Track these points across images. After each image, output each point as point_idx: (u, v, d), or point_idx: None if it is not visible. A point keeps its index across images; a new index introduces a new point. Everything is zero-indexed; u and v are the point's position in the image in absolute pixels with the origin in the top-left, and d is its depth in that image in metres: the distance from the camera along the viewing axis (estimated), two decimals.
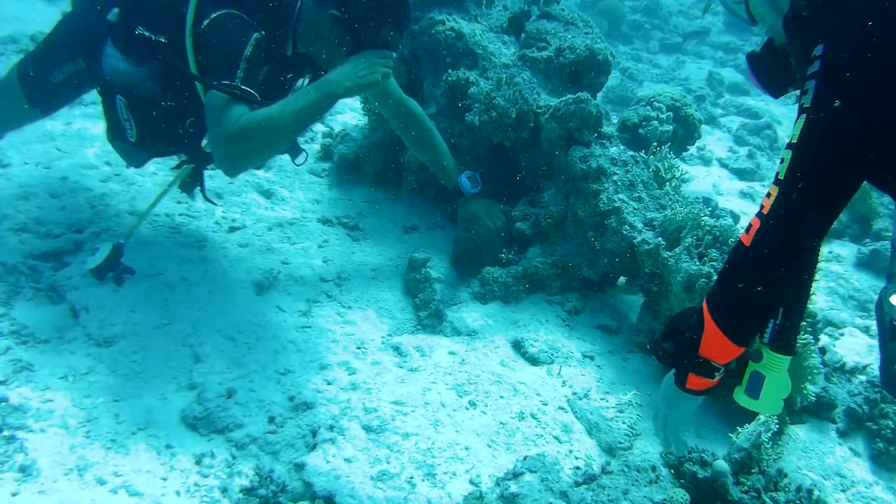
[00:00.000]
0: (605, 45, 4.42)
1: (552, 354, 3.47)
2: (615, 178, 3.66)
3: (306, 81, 3.46)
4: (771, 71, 2.11)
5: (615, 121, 5.15)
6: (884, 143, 1.66)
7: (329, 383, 3.15)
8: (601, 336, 3.70)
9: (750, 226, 1.86)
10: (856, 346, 4.35)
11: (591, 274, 3.76)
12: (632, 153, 3.91)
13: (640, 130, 4.88)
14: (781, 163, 1.79)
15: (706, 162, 6.84)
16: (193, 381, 3.05)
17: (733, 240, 3.33)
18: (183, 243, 3.86)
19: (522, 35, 4.60)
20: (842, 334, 4.50)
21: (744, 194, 6.16)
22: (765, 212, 1.81)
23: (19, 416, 2.75)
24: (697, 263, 3.20)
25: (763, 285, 1.86)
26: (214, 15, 3.00)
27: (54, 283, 3.43)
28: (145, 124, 3.34)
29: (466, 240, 3.94)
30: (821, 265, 3.37)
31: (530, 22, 4.64)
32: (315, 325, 3.52)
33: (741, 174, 6.58)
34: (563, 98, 3.81)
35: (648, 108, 5.03)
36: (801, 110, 1.75)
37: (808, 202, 1.75)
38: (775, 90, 2.09)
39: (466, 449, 2.87)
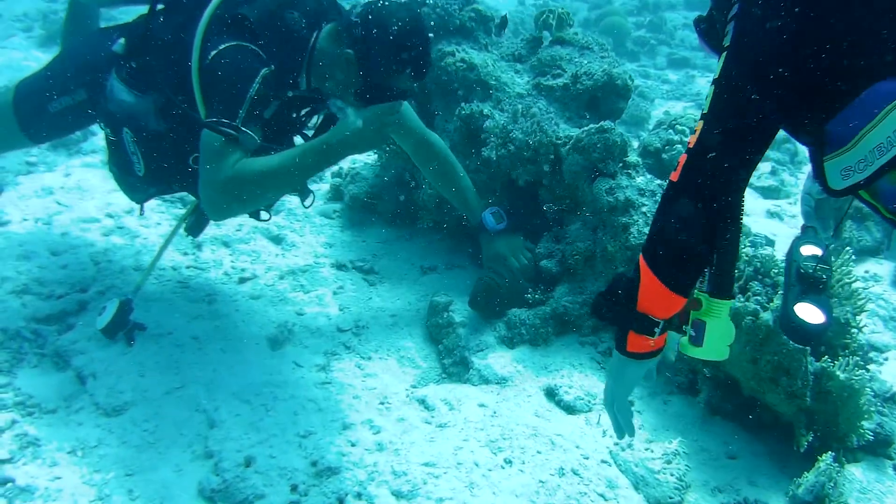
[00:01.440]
0: (624, 69, 4.29)
1: (589, 401, 3.30)
2: (644, 209, 3.51)
3: (321, 119, 3.41)
4: (715, 33, 2.09)
5: (635, 145, 5.01)
6: (795, 82, 1.72)
7: (353, 444, 2.99)
8: None
9: (678, 163, 1.91)
10: None
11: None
12: (659, 182, 3.76)
13: (664, 156, 4.73)
14: (706, 98, 1.85)
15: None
16: (209, 450, 2.90)
17: (775, 271, 3.17)
18: (192, 298, 3.73)
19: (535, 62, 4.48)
20: (886, 359, 4.30)
21: (771, 214, 5.98)
22: (690, 146, 1.87)
23: (26, 498, 2.61)
24: (741, 299, 3.03)
25: (694, 222, 1.91)
26: (222, 47, 2.90)
27: (59, 347, 3.31)
28: (153, 159, 3.24)
29: (485, 280, 3.79)
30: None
31: (543, 48, 4.51)
32: (335, 381, 3.37)
33: (765, 192, 6.40)
34: (586, 128, 3.67)
35: (671, 131, 4.88)
36: (722, 50, 1.83)
37: (728, 136, 1.81)
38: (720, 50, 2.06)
39: None
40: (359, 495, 2.75)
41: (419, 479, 2.80)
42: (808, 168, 2.63)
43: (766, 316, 2.90)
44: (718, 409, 3.30)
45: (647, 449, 3.07)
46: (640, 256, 2.03)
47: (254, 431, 2.98)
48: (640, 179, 3.65)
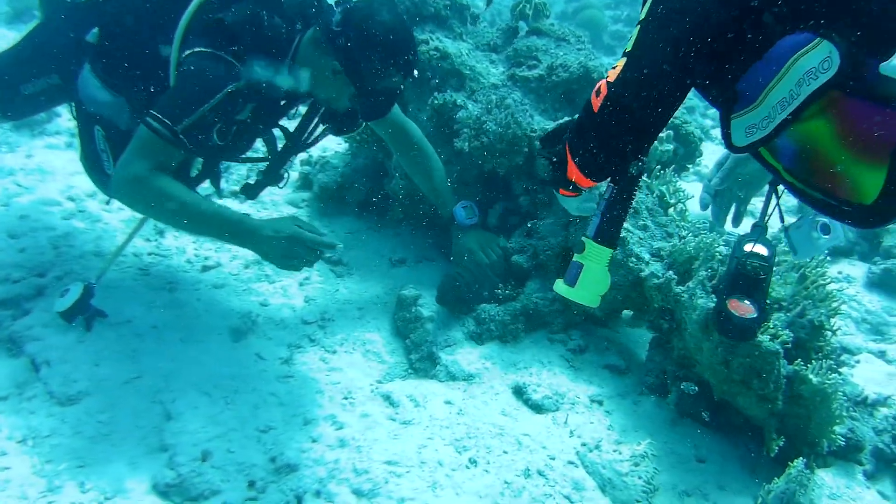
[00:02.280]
0: (600, 63, 4.24)
1: (557, 401, 3.26)
2: None
3: (304, 109, 3.46)
4: None
5: None
6: (710, 35, 1.76)
7: (314, 441, 2.93)
8: (609, 377, 3.48)
9: (599, 90, 1.96)
10: (873, 374, 4.15)
11: (596, 310, 3.55)
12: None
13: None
14: (630, 38, 1.91)
15: (702, 178, 6.64)
16: (165, 443, 2.83)
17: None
18: (152, 286, 3.64)
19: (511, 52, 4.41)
20: (857, 361, 4.30)
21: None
22: (610, 80, 1.92)
23: None
24: (715, 300, 2.99)
25: (606, 150, 2.01)
26: (196, 50, 2.91)
27: (13, 333, 3.23)
28: None
29: (452, 276, 3.74)
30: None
31: (519, 39, 4.45)
32: (298, 374, 3.30)
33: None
34: (560, 121, 3.60)
35: None
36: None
37: (646, 78, 1.85)
38: None
39: None
40: (318, 493, 2.69)
41: (381, 478, 2.74)
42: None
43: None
44: (688, 411, 3.26)
45: (615, 451, 3.02)
46: (566, 142, 2.15)
47: (212, 425, 2.91)
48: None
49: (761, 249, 2.58)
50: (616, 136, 1.97)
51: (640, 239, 3.41)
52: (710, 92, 1.94)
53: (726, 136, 1.90)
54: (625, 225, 3.28)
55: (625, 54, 1.90)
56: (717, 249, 3.19)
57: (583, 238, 2.20)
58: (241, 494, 2.68)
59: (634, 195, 2.13)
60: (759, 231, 2.67)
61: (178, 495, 2.65)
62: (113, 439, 2.83)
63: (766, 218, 2.64)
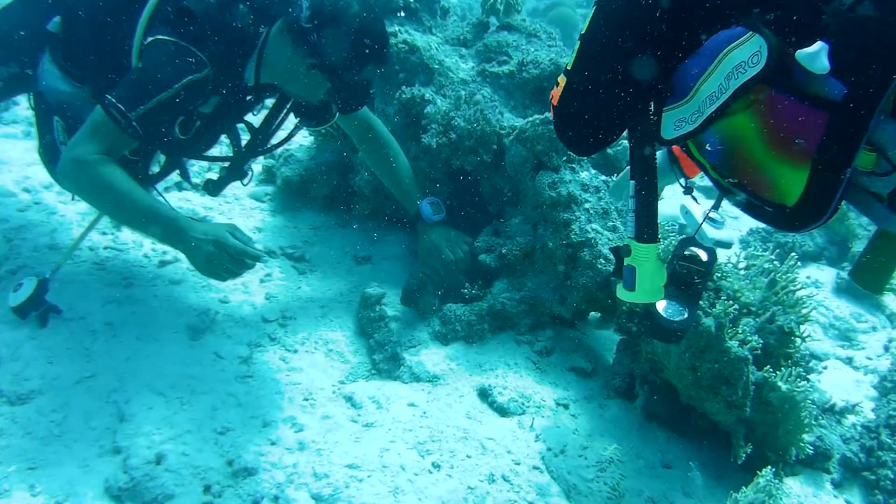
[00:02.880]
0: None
1: (523, 404, 3.22)
2: (587, 205, 3.43)
3: (271, 102, 3.44)
4: None
5: None
6: (650, 33, 1.83)
7: (273, 443, 2.86)
8: (575, 380, 3.45)
9: (557, 83, 2.02)
10: (841, 381, 4.19)
11: (563, 311, 3.52)
12: (604, 178, 3.69)
13: (609, 151, 4.65)
14: (572, 54, 1.97)
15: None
16: (118, 445, 2.75)
17: (718, 275, 3.12)
18: (108, 281, 3.54)
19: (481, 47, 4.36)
20: (825, 367, 4.32)
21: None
22: (554, 103, 2.04)
23: None
24: None
25: (574, 135, 2.13)
26: (159, 37, 2.85)
27: None
28: None
29: (417, 275, 3.69)
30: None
31: (490, 34, 4.40)
32: (257, 374, 3.23)
33: (709, 192, 6.40)
34: (530, 119, 3.57)
35: None
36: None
37: (590, 88, 1.94)
38: None
39: None
40: (276, 498, 2.63)
41: (341, 482, 2.68)
42: None
43: (708, 322, 2.85)
44: (655, 414, 3.24)
45: (580, 455, 2.99)
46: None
47: (167, 426, 2.83)
48: (584, 174, 3.57)
49: (702, 254, 2.58)
50: (575, 126, 2.08)
51: (610, 240, 3.38)
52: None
53: (656, 130, 1.92)
54: (593, 226, 3.27)
55: (564, 72, 1.99)
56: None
57: (627, 241, 2.22)
58: (197, 499, 2.61)
59: (655, 180, 2.11)
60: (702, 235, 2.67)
61: (131, 499, 2.58)
62: (65, 440, 2.75)
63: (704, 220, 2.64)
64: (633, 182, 2.12)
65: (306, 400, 3.13)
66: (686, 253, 2.59)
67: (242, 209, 4.41)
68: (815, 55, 1.53)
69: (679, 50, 1.82)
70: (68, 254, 3.35)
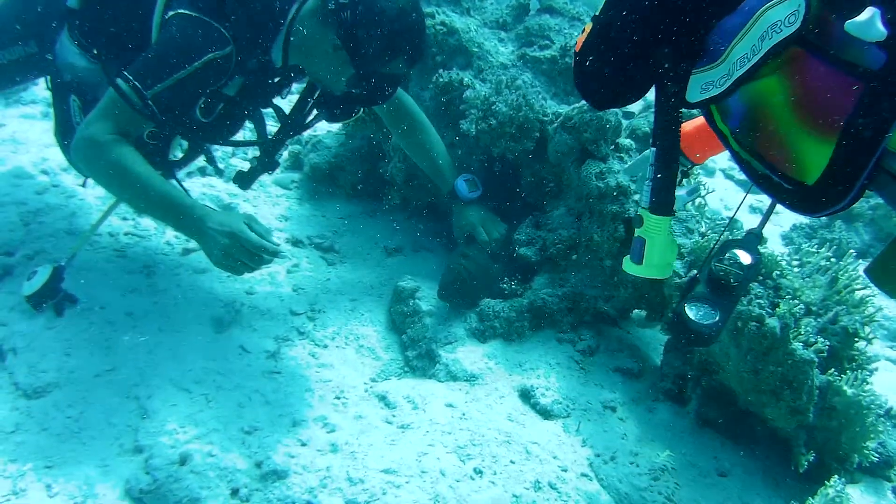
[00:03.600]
0: None
1: (568, 406, 3.06)
2: (636, 197, 3.26)
3: (297, 89, 3.26)
4: None
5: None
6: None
7: (304, 444, 2.71)
8: (622, 381, 3.29)
9: (583, 30, 1.94)
10: (893, 383, 3.99)
11: (609, 309, 3.35)
12: None
13: None
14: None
15: (709, 173, 6.47)
16: (140, 444, 2.60)
17: (777, 273, 2.94)
18: (128, 269, 3.40)
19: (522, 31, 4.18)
20: (875, 369, 4.13)
21: (753, 209, 5.80)
22: (577, 49, 1.95)
23: None
24: (743, 302, 2.80)
25: (589, 91, 2.04)
26: (180, 11, 2.72)
27: None
28: None
29: (458, 267, 3.52)
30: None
31: (530, 17, 4.22)
32: (285, 370, 3.08)
33: (747, 185, 6.22)
34: (576, 105, 3.40)
35: None
36: None
37: (613, 37, 1.83)
38: None
39: None
40: None
41: (378, 489, 2.52)
42: None
43: (773, 323, 2.68)
44: (707, 419, 3.08)
45: (632, 462, 2.83)
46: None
47: (191, 425, 2.69)
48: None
49: (745, 257, 2.45)
50: (596, 75, 1.95)
51: None
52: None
53: (682, 92, 1.81)
54: None
55: (592, 19, 1.90)
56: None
57: (639, 212, 2.12)
58: (224, 503, 2.46)
59: (677, 148, 1.97)
60: (751, 238, 2.56)
61: (153, 502, 2.44)
62: (83, 437, 2.61)
63: (762, 226, 2.52)
64: (653, 149, 1.99)
65: (338, 398, 2.98)
66: (727, 254, 2.46)
67: (268, 196, 4.26)
68: (869, 22, 1.38)
69: (715, 6, 1.70)
70: (85, 239, 3.21)
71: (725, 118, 1.76)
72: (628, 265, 2.20)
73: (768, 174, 1.67)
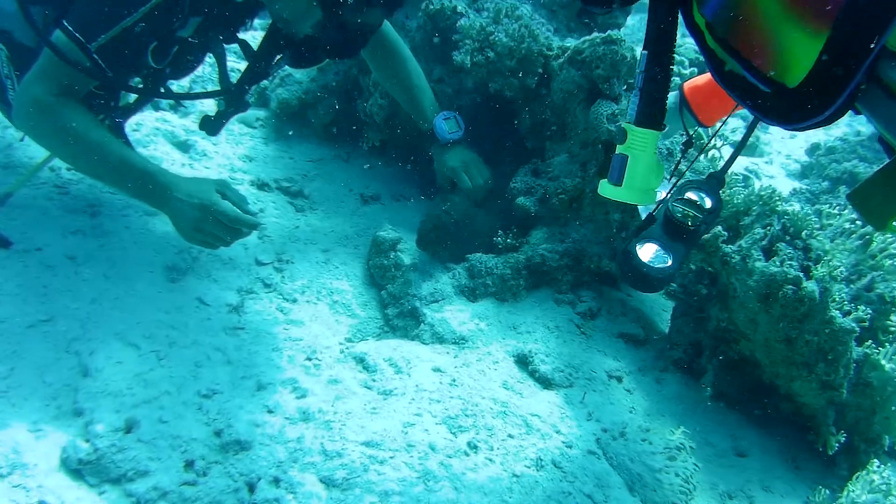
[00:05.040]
0: None
1: (570, 374, 2.78)
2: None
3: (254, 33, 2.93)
4: None
5: None
6: None
7: (271, 411, 2.40)
8: (625, 348, 3.01)
9: None
10: None
11: (614, 267, 3.06)
12: None
13: None
14: None
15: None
16: (80, 406, 2.28)
17: (807, 233, 2.67)
18: (70, 207, 3.04)
19: None
20: None
21: (749, 171, 5.55)
22: None
23: None
24: (776, 262, 2.51)
25: None
26: None
27: None
28: None
29: (438, 213, 3.24)
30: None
31: None
32: (249, 326, 2.76)
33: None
34: (588, 38, 3.07)
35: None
36: None
37: None
38: None
39: None
40: (276, 481, 2.17)
41: (358, 464, 2.22)
42: None
43: (811, 286, 2.40)
44: (722, 393, 2.82)
45: (643, 440, 2.54)
46: None
47: (140, 385, 2.36)
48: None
49: (707, 201, 2.29)
50: None
51: None
52: None
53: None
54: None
55: None
56: (777, 203, 2.72)
57: (622, 125, 1.88)
58: (176, 477, 2.15)
59: (671, 51, 1.73)
60: (712, 182, 2.39)
61: (94, 475, 2.13)
62: (12, 397, 2.28)
63: (725, 169, 2.37)
64: (644, 52, 1.76)
65: (309, 359, 2.68)
66: (686, 195, 2.27)
67: (230, 135, 3.87)
68: None
69: None
70: (24, 180, 2.89)
71: (702, 5, 1.50)
72: (605, 187, 1.95)
73: (744, 76, 1.42)
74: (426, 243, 3.23)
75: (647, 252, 2.21)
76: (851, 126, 6.29)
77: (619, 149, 1.89)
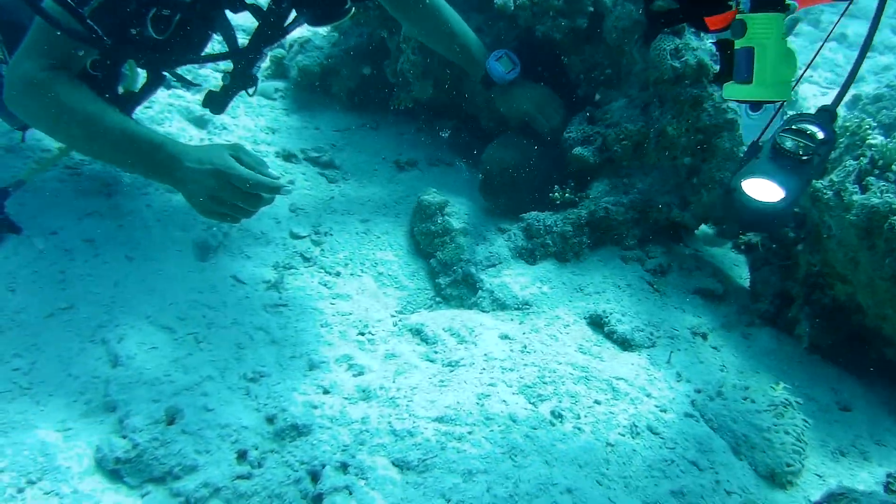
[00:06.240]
0: None
1: (651, 334, 2.53)
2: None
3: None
4: None
5: None
6: None
7: (327, 392, 2.18)
8: (704, 304, 2.78)
9: None
10: None
11: (687, 218, 2.81)
12: None
13: None
14: None
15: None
16: (112, 399, 2.07)
17: None
18: (84, 189, 2.82)
19: None
20: None
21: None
22: None
23: None
24: (878, 195, 2.26)
25: None
26: None
27: None
28: None
29: (504, 155, 3.00)
30: None
31: None
32: (293, 302, 2.54)
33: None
34: None
35: None
36: None
37: None
38: None
39: (569, 492, 1.89)
40: (343, 466, 1.93)
41: (434, 442, 1.98)
42: None
43: None
44: (816, 345, 2.58)
45: (745, 398, 2.29)
46: None
47: (179, 371, 2.15)
48: (710, 41, 2.83)
49: (815, 130, 2.05)
50: None
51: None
52: None
53: None
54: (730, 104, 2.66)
55: None
56: (868, 133, 2.47)
57: (739, 18, 1.72)
58: (228, 471, 1.93)
59: None
60: (822, 115, 2.12)
61: (134, 474, 1.92)
62: (36, 395, 2.08)
63: (837, 102, 2.12)
64: None
65: (362, 335, 2.46)
66: (795, 126, 2.05)
67: (249, 106, 3.63)
68: None
69: None
70: (40, 169, 2.69)
71: None
72: (731, 89, 1.80)
73: None
74: (491, 193, 3.02)
75: (757, 187, 1.97)
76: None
77: (737, 44, 1.72)
